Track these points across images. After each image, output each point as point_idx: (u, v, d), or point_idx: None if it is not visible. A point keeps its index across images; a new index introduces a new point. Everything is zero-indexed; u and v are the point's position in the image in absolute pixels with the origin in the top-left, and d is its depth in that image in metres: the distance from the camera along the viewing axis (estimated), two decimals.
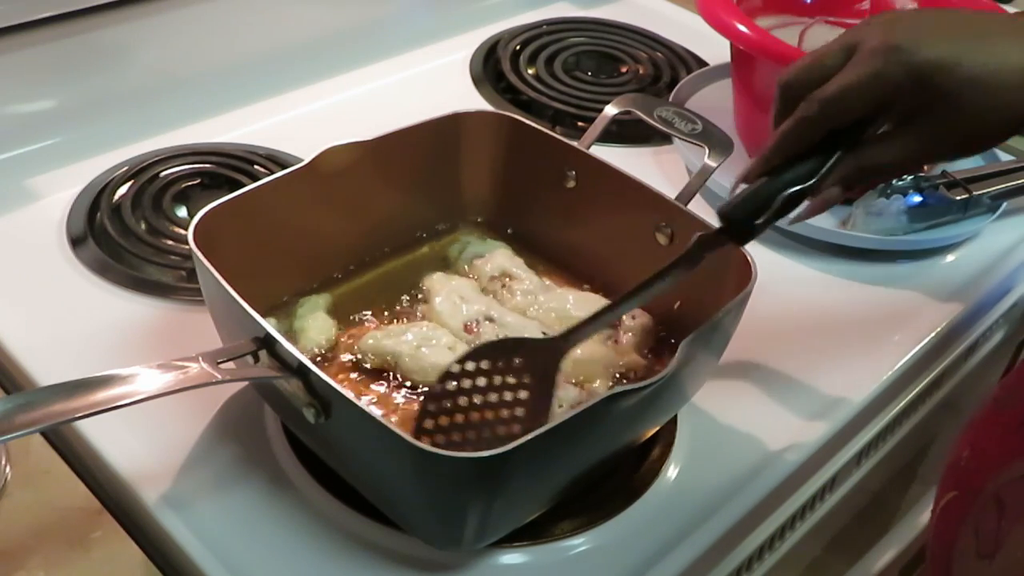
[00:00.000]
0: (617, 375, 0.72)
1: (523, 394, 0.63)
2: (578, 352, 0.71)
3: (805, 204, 0.65)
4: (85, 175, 0.91)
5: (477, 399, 0.62)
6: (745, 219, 0.63)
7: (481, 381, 0.63)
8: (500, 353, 0.63)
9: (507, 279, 0.78)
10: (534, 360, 0.63)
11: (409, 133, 0.77)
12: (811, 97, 0.61)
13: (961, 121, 0.60)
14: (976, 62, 0.58)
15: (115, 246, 0.84)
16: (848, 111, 0.61)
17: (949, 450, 0.66)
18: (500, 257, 0.79)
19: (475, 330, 0.73)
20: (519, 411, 0.62)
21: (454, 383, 0.62)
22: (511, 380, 0.63)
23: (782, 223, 0.66)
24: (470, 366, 0.62)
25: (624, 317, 0.75)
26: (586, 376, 0.71)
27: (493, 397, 0.63)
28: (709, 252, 0.65)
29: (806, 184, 0.62)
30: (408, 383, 0.70)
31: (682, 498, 0.70)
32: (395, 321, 0.75)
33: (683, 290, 0.74)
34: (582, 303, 0.76)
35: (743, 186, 0.65)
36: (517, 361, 0.63)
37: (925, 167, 0.63)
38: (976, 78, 0.58)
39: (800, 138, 0.62)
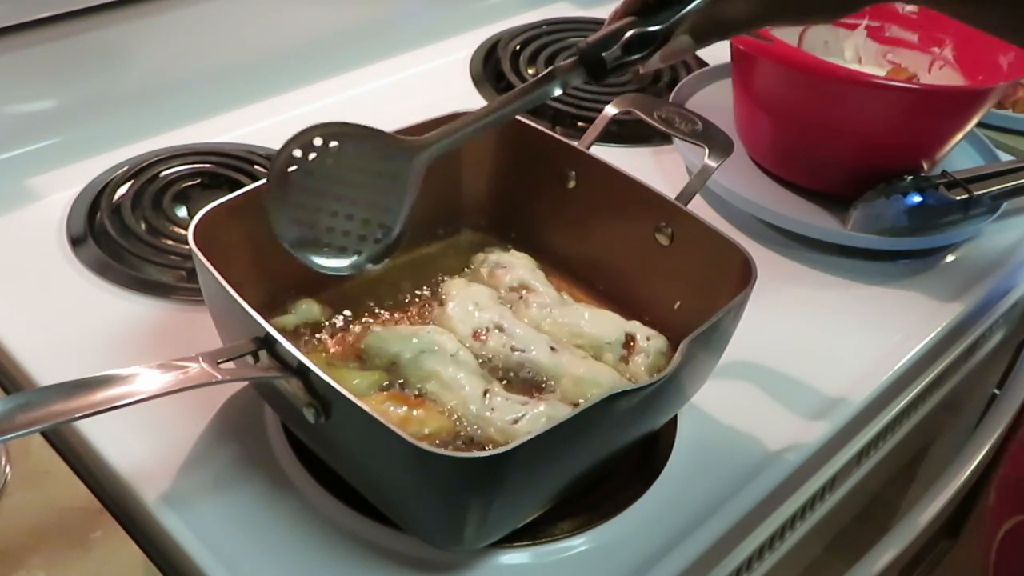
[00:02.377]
0: None
1: (390, 194, 0.65)
2: (582, 369, 0.71)
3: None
4: (85, 175, 0.91)
5: (337, 195, 0.64)
6: (596, 53, 0.64)
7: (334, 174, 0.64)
8: (354, 144, 0.65)
9: (525, 291, 0.77)
10: (387, 156, 0.66)
11: (409, 133, 0.77)
12: None
13: None
14: None
15: (115, 246, 0.84)
16: None
17: (1001, 473, 0.64)
18: (520, 268, 0.79)
19: (483, 338, 0.73)
20: (384, 210, 0.65)
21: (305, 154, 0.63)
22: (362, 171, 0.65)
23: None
24: (318, 141, 0.63)
25: (639, 337, 0.73)
26: (587, 395, 0.70)
27: (355, 194, 0.64)
28: (562, 80, 0.66)
29: (656, 27, 0.64)
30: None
31: (682, 498, 0.70)
32: (404, 319, 0.75)
33: (683, 290, 0.74)
34: (597, 320, 0.75)
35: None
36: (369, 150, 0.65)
37: (770, 29, 0.65)
38: None
39: None
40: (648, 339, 0.73)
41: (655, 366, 0.73)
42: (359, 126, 0.65)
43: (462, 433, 0.66)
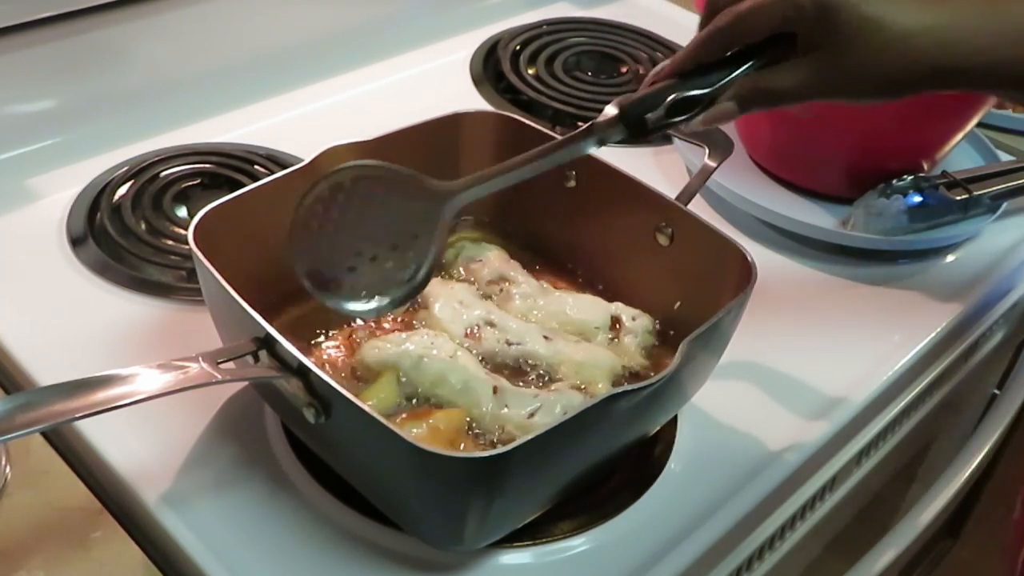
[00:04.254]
0: (621, 377, 0.72)
1: (416, 237, 0.63)
2: (581, 353, 0.71)
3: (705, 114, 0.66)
4: (85, 175, 0.91)
5: (361, 238, 0.63)
6: (639, 112, 0.64)
7: (359, 216, 0.63)
8: (384, 186, 0.64)
9: (505, 283, 0.78)
10: (416, 199, 0.64)
11: (409, 133, 0.77)
12: (727, 10, 0.63)
13: (853, 60, 0.61)
14: (880, 8, 0.60)
15: (115, 246, 0.84)
16: (756, 27, 0.63)
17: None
18: (496, 260, 0.79)
19: (477, 335, 0.73)
20: (409, 253, 0.63)
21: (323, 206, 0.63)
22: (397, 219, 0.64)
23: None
24: (348, 181, 0.63)
25: (624, 318, 0.75)
26: (590, 380, 0.71)
27: (381, 237, 0.63)
28: (600, 137, 0.65)
29: (702, 91, 0.63)
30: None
31: (682, 498, 0.70)
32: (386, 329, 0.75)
33: (683, 290, 0.74)
34: (582, 306, 0.76)
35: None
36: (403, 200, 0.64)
37: (817, 100, 0.65)
38: (876, 20, 0.60)
39: (710, 47, 0.64)
40: (634, 319, 0.75)
41: (643, 344, 0.74)
42: (390, 168, 0.64)
43: (471, 423, 0.67)
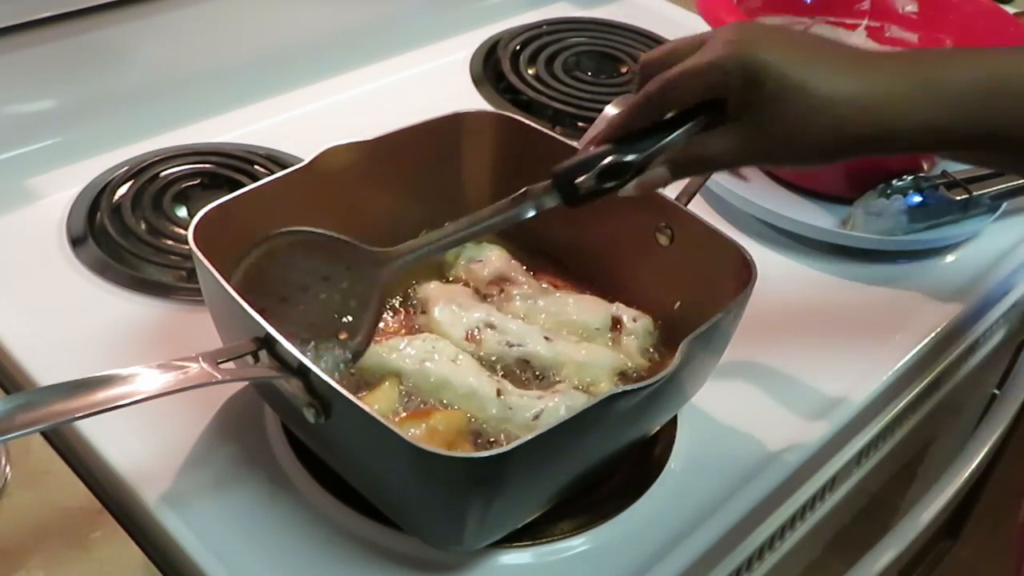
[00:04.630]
0: (622, 376, 0.72)
1: (352, 303, 0.67)
2: (583, 353, 0.71)
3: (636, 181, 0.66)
4: (85, 175, 0.91)
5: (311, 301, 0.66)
6: (571, 179, 0.65)
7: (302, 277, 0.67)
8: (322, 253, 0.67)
9: (505, 283, 0.78)
10: (358, 270, 0.68)
11: (409, 133, 0.77)
12: (657, 77, 0.63)
13: (779, 127, 0.61)
14: (805, 75, 0.60)
15: (115, 246, 0.84)
16: (684, 94, 0.63)
17: None
18: (497, 260, 0.79)
19: (477, 338, 0.73)
20: (350, 318, 0.66)
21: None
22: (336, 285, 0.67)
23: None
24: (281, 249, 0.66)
25: (625, 319, 0.74)
26: (592, 380, 0.71)
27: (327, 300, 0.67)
28: (535, 203, 0.67)
29: (632, 157, 0.64)
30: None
31: (682, 498, 0.70)
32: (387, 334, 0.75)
33: (683, 290, 0.74)
34: (582, 306, 0.76)
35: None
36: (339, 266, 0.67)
37: (755, 167, 0.65)
38: (800, 88, 0.59)
39: (642, 114, 0.64)
40: (634, 320, 0.74)
41: (643, 345, 0.74)
42: (326, 235, 0.67)
43: (476, 427, 0.67)
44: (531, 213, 0.67)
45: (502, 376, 0.71)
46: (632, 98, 0.64)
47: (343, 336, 0.67)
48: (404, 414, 0.67)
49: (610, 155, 0.64)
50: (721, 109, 0.63)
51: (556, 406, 0.66)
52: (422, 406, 0.68)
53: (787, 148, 0.62)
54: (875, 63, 0.62)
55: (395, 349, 0.70)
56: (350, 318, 0.67)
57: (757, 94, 0.60)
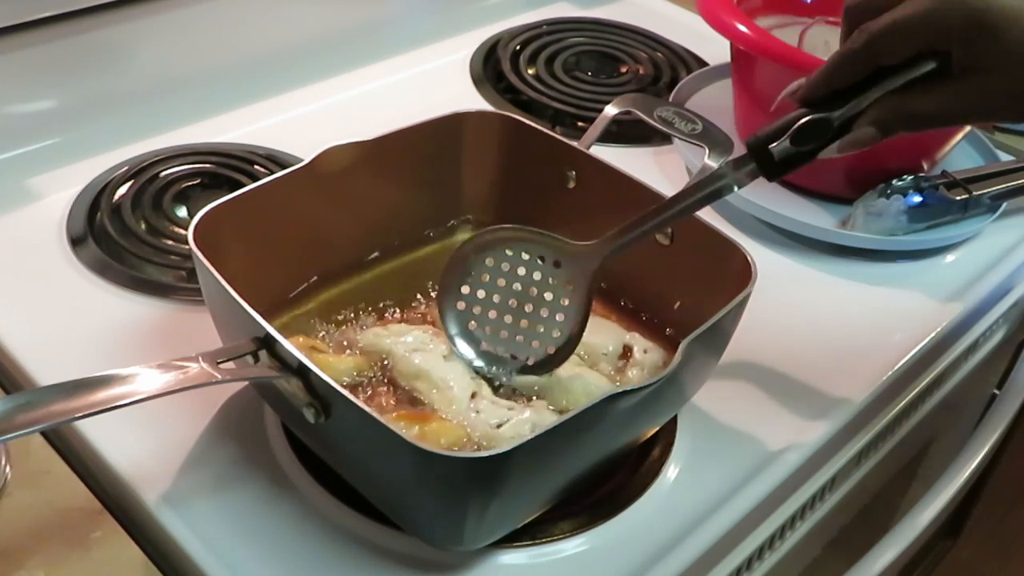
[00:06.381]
0: None
1: (563, 300, 0.67)
2: (574, 382, 0.69)
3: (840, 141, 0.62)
4: (85, 175, 0.91)
5: (509, 300, 0.67)
6: (762, 144, 0.61)
7: (508, 279, 0.67)
8: (524, 243, 0.67)
9: None
10: (568, 265, 0.68)
11: (409, 133, 0.77)
12: (862, 28, 0.58)
13: (1018, 77, 0.55)
14: None
15: (115, 246, 0.84)
16: (894, 49, 0.58)
17: None
18: None
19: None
20: (558, 316, 0.67)
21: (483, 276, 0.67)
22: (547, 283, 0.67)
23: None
24: (490, 261, 0.67)
25: (636, 349, 0.73)
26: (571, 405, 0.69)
27: (527, 299, 0.68)
28: (733, 177, 0.64)
29: (830, 114, 0.59)
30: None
31: (682, 498, 0.70)
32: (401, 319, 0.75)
33: (683, 290, 0.74)
34: (596, 328, 0.73)
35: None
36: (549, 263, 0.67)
37: (970, 126, 0.60)
38: None
39: (844, 71, 0.59)
40: (645, 351, 0.73)
41: (648, 381, 0.72)
42: (532, 231, 0.68)
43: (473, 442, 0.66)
44: (732, 189, 0.64)
45: (495, 387, 0.69)
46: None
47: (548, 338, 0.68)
48: (402, 413, 0.67)
49: (807, 116, 0.60)
50: (942, 61, 0.57)
51: (522, 421, 0.65)
52: (372, 381, 0.69)
53: (1020, 104, 0.57)
54: None
55: (395, 334, 0.70)
56: (560, 316, 0.68)
57: (992, 48, 0.55)
